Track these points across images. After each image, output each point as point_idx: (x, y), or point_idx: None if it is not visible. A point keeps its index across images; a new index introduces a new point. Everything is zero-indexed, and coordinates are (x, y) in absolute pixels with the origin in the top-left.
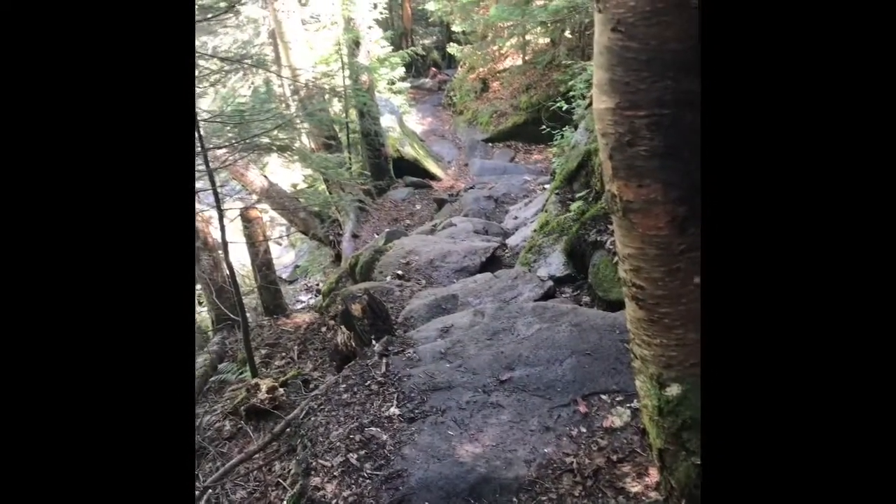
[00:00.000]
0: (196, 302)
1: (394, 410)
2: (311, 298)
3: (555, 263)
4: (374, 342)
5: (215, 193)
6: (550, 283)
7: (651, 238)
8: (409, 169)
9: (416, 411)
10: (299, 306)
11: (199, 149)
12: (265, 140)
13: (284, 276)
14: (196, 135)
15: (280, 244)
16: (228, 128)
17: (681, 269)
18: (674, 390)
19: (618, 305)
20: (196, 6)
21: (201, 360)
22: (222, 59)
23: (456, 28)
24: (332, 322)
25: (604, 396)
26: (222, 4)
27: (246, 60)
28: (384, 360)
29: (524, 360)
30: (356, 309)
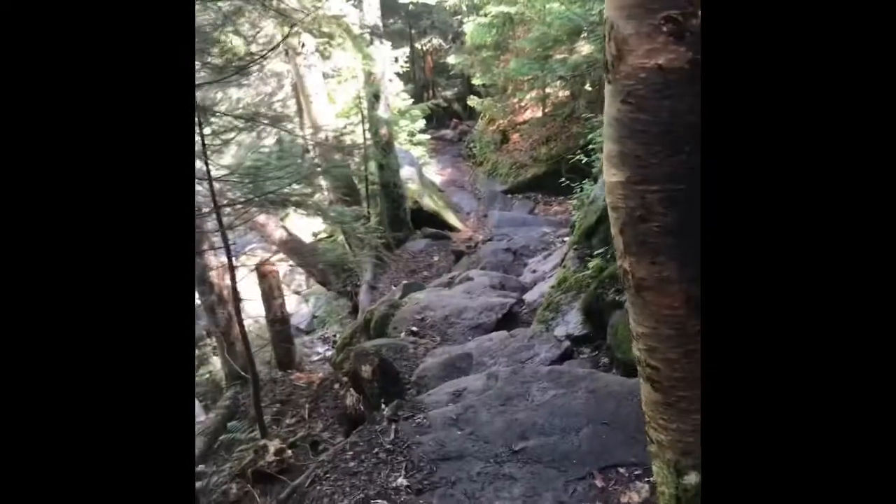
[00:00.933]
0: (211, 355)
1: (401, 481)
2: (327, 350)
3: (573, 322)
4: (383, 406)
5: (227, 250)
6: (568, 343)
7: (666, 317)
8: (427, 220)
9: (425, 482)
10: (315, 358)
11: (213, 205)
12: (281, 196)
13: (302, 326)
14: (210, 191)
15: (299, 293)
16: (244, 184)
17: (697, 351)
18: (692, 479)
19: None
20: (220, 60)
21: (212, 416)
22: (236, 118)
23: (476, 81)
24: (344, 379)
25: (621, 469)
26: (244, 59)
27: (262, 118)
28: (393, 426)
29: (538, 429)
30: (366, 371)
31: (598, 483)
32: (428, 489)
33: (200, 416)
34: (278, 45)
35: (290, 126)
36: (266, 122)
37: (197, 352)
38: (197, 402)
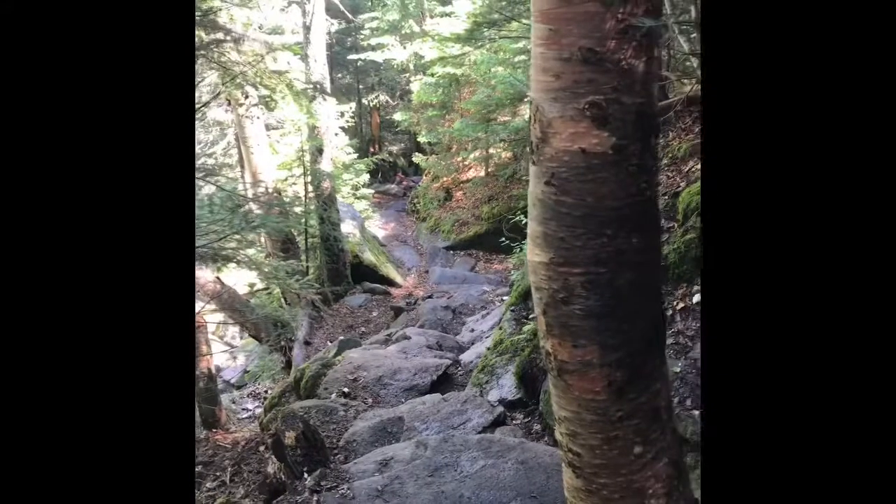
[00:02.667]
0: None
1: None
2: (257, 407)
3: (507, 386)
4: (305, 475)
5: None
6: (501, 408)
7: (587, 402)
8: (368, 274)
9: None
10: (244, 415)
11: None
12: (211, 250)
13: (233, 380)
14: None
15: (231, 346)
16: None
17: (619, 438)
18: None
19: None
20: None
21: None
22: None
23: (422, 139)
24: (266, 444)
25: None
26: None
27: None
28: (315, 498)
29: (466, 502)
30: (289, 437)
31: None
32: None
33: None
34: (217, 94)
35: (231, 175)
36: (199, 174)
37: None
38: None
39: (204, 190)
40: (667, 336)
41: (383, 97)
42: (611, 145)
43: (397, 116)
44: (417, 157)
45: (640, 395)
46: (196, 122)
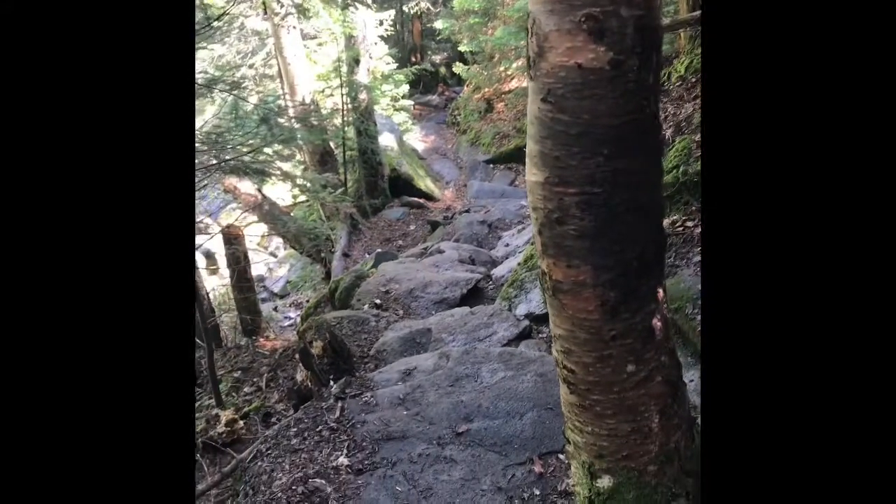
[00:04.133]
0: None
1: (342, 460)
2: (298, 315)
3: (535, 300)
4: (331, 383)
5: None
6: (527, 322)
7: (581, 321)
8: (405, 188)
9: (366, 462)
10: (286, 323)
11: None
12: (241, 163)
13: (276, 289)
14: None
15: (275, 256)
16: (203, 150)
17: (612, 357)
18: (605, 482)
19: None
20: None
21: None
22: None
23: (463, 48)
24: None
25: (561, 456)
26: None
27: (220, 84)
28: (339, 404)
29: (483, 412)
30: (317, 346)
31: (537, 469)
32: (368, 469)
33: None
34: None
35: (272, 87)
36: (226, 87)
37: None
38: None
39: (251, 100)
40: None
41: (424, 4)
42: (608, 60)
43: (438, 24)
44: (458, 67)
45: (635, 316)
46: (233, 30)
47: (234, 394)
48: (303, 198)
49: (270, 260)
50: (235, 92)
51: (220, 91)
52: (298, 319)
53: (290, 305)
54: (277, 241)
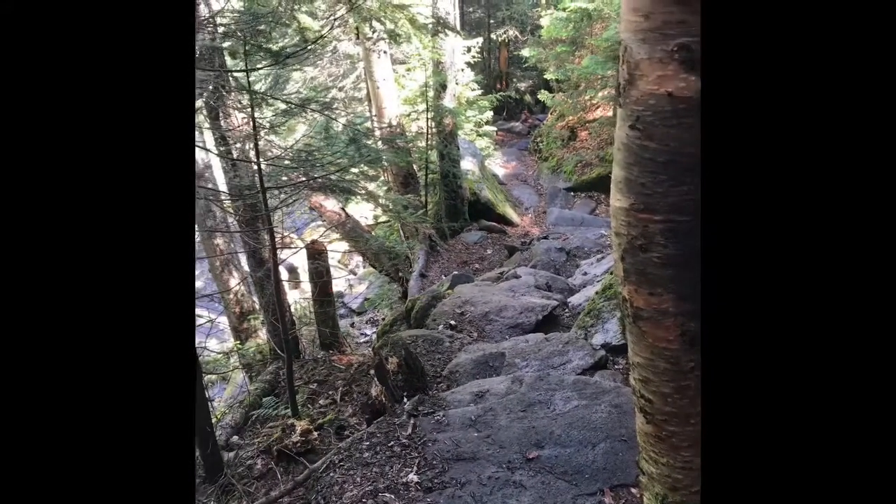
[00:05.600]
0: (260, 327)
1: (412, 477)
2: (374, 332)
3: (612, 331)
4: (405, 400)
5: (270, 231)
6: (603, 352)
7: (661, 350)
8: (485, 212)
9: (435, 481)
10: (362, 339)
11: (259, 188)
12: (327, 181)
13: (355, 306)
14: (258, 176)
15: (355, 274)
16: (288, 168)
17: (690, 388)
18: None
19: None
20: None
21: (253, 388)
22: (286, 102)
23: (549, 76)
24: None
25: (633, 490)
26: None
27: (312, 105)
28: (412, 421)
29: (555, 439)
30: (392, 363)
31: (608, 501)
32: (437, 488)
33: (242, 387)
34: (333, 25)
35: (360, 109)
36: (318, 107)
37: (246, 324)
38: (241, 374)
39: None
40: None
41: (512, 32)
42: (698, 89)
43: (525, 52)
44: (543, 95)
45: None
46: (326, 53)
47: (309, 405)
48: (384, 218)
49: (350, 277)
50: (327, 112)
51: (312, 111)
52: (374, 336)
53: (366, 322)
54: (357, 259)
